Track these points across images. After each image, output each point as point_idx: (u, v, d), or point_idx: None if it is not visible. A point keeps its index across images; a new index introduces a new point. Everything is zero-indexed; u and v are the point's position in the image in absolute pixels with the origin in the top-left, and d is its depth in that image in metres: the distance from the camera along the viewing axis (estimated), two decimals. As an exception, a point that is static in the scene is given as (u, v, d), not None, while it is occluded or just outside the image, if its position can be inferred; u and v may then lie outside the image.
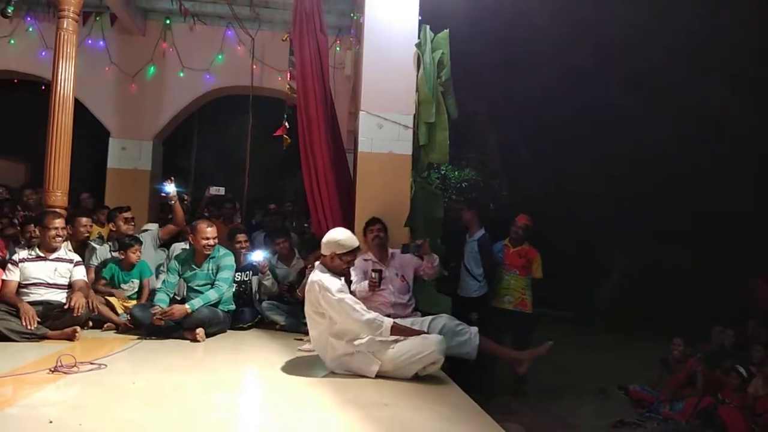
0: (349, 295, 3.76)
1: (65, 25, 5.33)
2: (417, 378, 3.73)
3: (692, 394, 5.88)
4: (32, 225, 5.32)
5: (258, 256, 5.43)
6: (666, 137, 13.13)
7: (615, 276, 13.66)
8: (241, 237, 5.72)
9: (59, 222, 4.85)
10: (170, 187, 5.58)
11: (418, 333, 3.82)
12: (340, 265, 3.87)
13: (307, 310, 3.88)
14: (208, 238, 5.02)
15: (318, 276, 3.80)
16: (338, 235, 3.89)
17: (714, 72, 12.34)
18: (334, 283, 3.75)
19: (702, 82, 12.03)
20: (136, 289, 5.45)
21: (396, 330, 3.71)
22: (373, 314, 3.70)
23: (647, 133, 13.39)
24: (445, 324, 4.12)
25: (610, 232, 13.64)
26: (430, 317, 4.24)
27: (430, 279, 5.11)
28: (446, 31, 5.79)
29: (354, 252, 3.92)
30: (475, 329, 3.98)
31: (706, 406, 5.66)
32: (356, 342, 3.73)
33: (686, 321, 8.79)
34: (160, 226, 6.18)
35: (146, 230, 5.91)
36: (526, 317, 6.12)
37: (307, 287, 3.88)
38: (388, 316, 3.99)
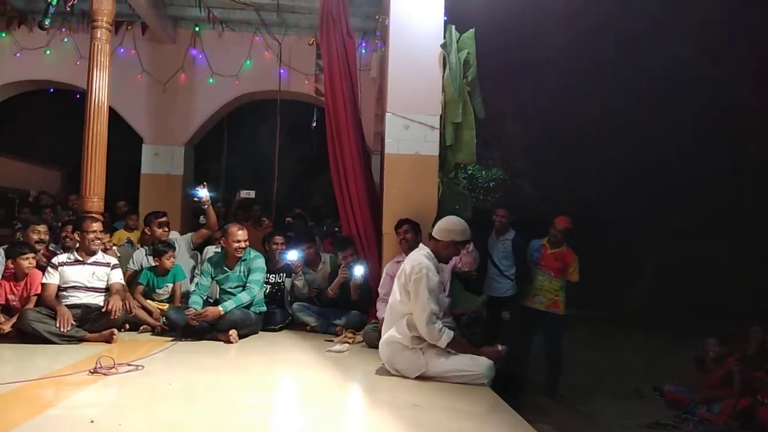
0: (432, 299, 3.71)
1: (99, 35, 5.47)
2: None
3: (729, 395, 5.74)
4: (69, 228, 5.49)
5: (293, 255, 5.50)
6: (697, 132, 12.89)
7: (648, 275, 13.43)
8: (278, 239, 5.79)
9: (97, 226, 4.99)
10: (203, 192, 5.67)
11: (473, 351, 3.81)
12: (454, 253, 3.98)
13: (401, 282, 3.88)
14: (239, 241, 5.10)
15: (425, 262, 3.80)
16: (462, 225, 3.96)
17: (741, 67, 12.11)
18: (432, 280, 3.75)
19: (731, 77, 11.81)
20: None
21: (452, 345, 3.72)
22: (438, 325, 3.69)
23: (677, 129, 13.16)
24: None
25: (642, 230, 13.44)
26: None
27: (471, 268, 4.99)
28: (472, 30, 5.77)
29: (467, 243, 4.04)
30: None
31: (744, 407, 5.52)
32: (420, 347, 3.74)
33: (721, 320, 8.59)
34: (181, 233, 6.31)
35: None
36: (557, 318, 6.04)
37: (409, 263, 3.86)
38: None
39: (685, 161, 13.02)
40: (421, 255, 3.88)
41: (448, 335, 3.68)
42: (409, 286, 3.75)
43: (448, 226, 3.96)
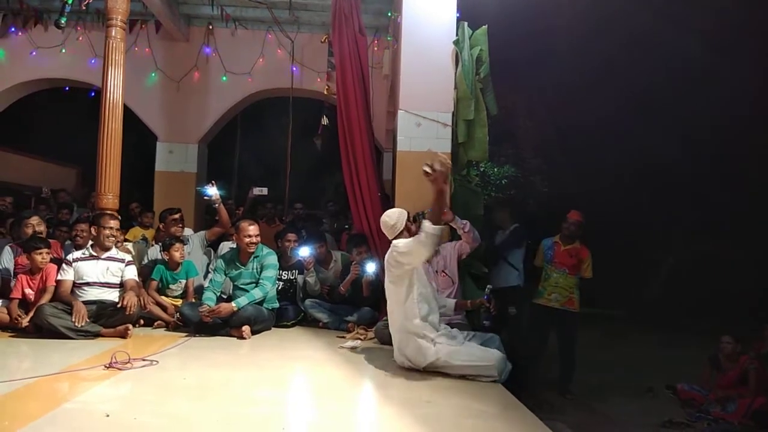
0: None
1: (113, 34, 5.51)
2: (461, 376, 3.73)
3: (744, 394, 5.68)
4: (82, 225, 5.55)
5: (304, 252, 5.52)
6: (711, 130, 12.76)
7: (661, 273, 13.33)
8: (291, 236, 5.82)
9: (114, 223, 5.07)
10: (212, 190, 5.69)
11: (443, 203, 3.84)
12: (411, 233, 3.99)
13: (387, 283, 3.98)
14: (250, 236, 5.13)
15: (393, 243, 3.90)
16: (391, 220, 4.02)
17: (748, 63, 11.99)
18: (401, 242, 3.83)
19: (741, 74, 11.70)
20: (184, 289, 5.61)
21: (432, 217, 3.68)
22: (419, 236, 3.69)
23: (691, 126, 13.03)
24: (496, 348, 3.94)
25: (655, 229, 13.33)
26: (487, 335, 4.09)
27: (473, 248, 4.98)
28: (484, 27, 5.75)
29: (409, 216, 4.09)
30: (509, 367, 3.80)
31: (759, 406, 5.46)
32: (432, 335, 3.77)
33: (736, 317, 8.51)
34: (194, 230, 6.37)
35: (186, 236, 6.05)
36: (572, 316, 6.01)
37: (385, 258, 3.96)
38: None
39: (699, 158, 12.90)
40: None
41: (426, 226, 3.64)
42: (397, 257, 3.77)
43: (388, 226, 4.02)
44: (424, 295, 3.90)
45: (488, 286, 4.48)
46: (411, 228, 4.04)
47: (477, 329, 4.75)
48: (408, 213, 4.14)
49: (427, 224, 3.64)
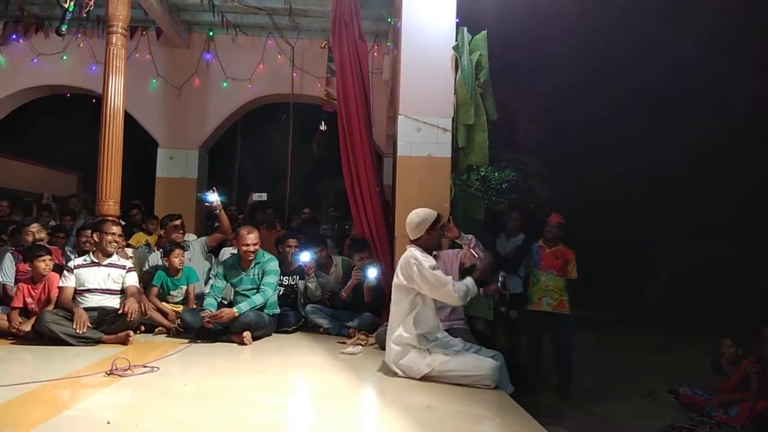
0: (440, 272, 3.84)
1: (114, 41, 5.54)
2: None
3: (746, 398, 5.67)
4: (88, 231, 5.56)
5: (305, 257, 5.52)
6: (710, 131, 12.77)
7: (661, 276, 13.32)
8: (291, 242, 5.83)
9: (116, 229, 5.08)
10: (213, 197, 5.70)
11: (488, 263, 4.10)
12: (436, 237, 4.08)
13: (395, 285, 3.99)
14: (248, 244, 5.12)
15: (414, 253, 3.91)
16: (420, 214, 4.05)
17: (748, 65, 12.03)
18: (429, 261, 3.87)
19: (740, 75, 11.72)
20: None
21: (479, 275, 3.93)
22: (459, 284, 3.78)
23: (690, 127, 13.04)
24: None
25: (655, 231, 13.33)
26: (490, 352, 4.05)
27: (475, 261, 5.00)
28: (484, 32, 5.76)
29: (439, 219, 4.09)
30: (511, 389, 3.82)
31: (762, 410, 5.45)
32: (427, 347, 3.80)
33: (736, 318, 8.50)
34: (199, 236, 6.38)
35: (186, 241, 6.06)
36: (566, 318, 6.03)
37: (401, 263, 3.96)
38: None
39: (698, 161, 12.91)
40: (408, 252, 3.97)
41: (471, 283, 3.82)
42: (415, 277, 3.81)
43: (413, 223, 4.04)
44: (429, 316, 3.93)
45: (501, 272, 4.47)
46: (432, 233, 4.06)
47: (477, 334, 4.74)
48: (437, 216, 4.10)
49: (472, 287, 3.80)
